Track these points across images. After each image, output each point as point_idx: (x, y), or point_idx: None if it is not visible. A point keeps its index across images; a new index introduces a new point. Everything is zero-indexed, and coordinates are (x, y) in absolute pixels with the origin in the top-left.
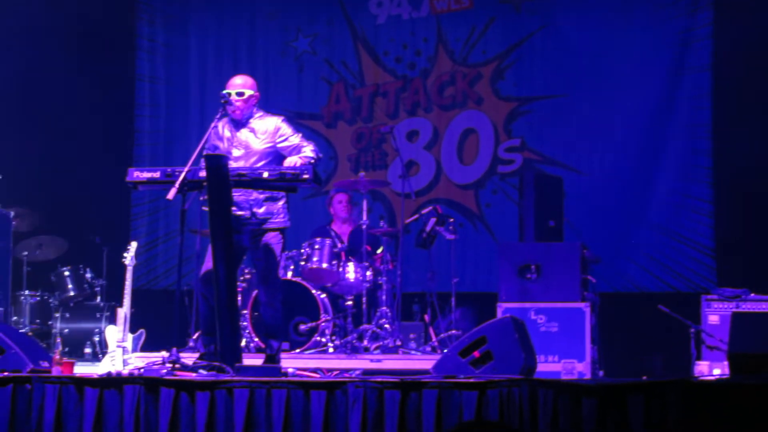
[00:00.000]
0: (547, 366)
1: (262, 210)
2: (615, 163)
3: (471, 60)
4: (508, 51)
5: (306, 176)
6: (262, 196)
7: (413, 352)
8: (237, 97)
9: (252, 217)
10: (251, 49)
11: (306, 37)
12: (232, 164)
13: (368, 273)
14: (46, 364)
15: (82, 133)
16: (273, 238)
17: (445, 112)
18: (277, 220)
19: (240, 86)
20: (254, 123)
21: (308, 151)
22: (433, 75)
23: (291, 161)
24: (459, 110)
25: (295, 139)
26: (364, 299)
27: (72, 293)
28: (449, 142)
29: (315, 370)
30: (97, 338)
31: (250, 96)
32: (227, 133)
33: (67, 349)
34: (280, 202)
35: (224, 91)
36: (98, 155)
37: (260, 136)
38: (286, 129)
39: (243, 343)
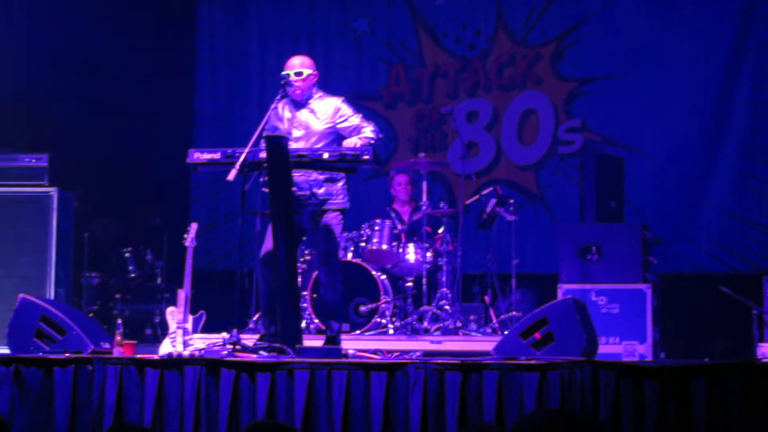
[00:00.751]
0: (609, 348)
1: (322, 190)
2: (676, 143)
3: (531, 40)
4: (568, 31)
5: (366, 157)
6: (322, 177)
7: (474, 333)
8: (296, 78)
9: (312, 198)
10: (310, 30)
11: (365, 17)
12: (292, 145)
13: (428, 254)
14: (107, 346)
15: (143, 115)
16: (333, 219)
17: (504, 92)
18: (336, 201)
19: (298, 66)
20: (314, 103)
21: (368, 131)
22: (493, 55)
23: (351, 142)
24: (519, 91)
25: (355, 119)
26: (424, 280)
27: (133, 275)
28: (509, 123)
29: (375, 352)
30: (157, 319)
31: (309, 75)
32: (287, 114)
33: (127, 331)
34: (340, 183)
35: (283, 72)
36: (159, 136)
37: (320, 117)
38: (346, 109)
39: (303, 324)
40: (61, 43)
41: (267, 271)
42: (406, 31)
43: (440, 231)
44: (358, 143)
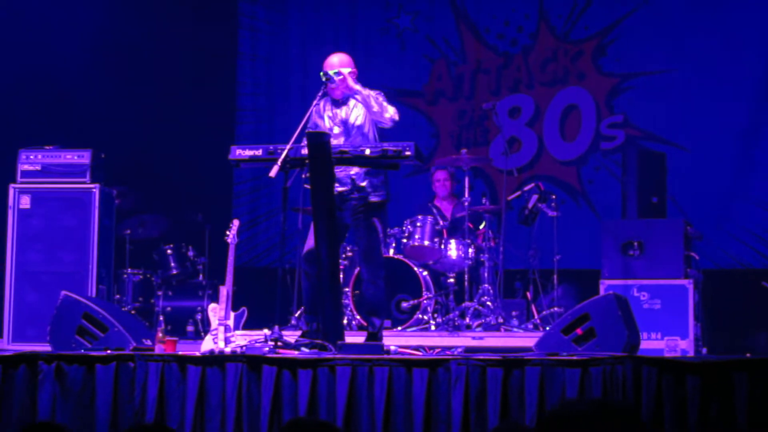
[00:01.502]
0: (650, 343)
1: (363, 183)
2: (718, 138)
3: (573, 36)
4: (611, 27)
5: (408, 153)
6: (362, 170)
7: (515, 329)
8: (335, 77)
9: (353, 192)
10: (352, 26)
11: (407, 14)
12: (333, 141)
13: (470, 250)
14: (148, 342)
15: (184, 111)
16: (375, 215)
17: (546, 88)
18: (378, 193)
19: (337, 65)
20: (353, 100)
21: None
22: (535, 51)
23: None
24: (561, 86)
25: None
26: (466, 276)
27: (174, 271)
28: (551, 119)
29: (417, 348)
30: (199, 316)
31: (349, 73)
32: (328, 111)
33: (169, 327)
34: (382, 176)
35: (321, 73)
36: (200, 133)
37: (359, 112)
38: (378, 96)
39: (345, 321)
40: (102, 38)
41: (309, 267)
42: (448, 28)
43: (482, 227)
44: (373, 97)
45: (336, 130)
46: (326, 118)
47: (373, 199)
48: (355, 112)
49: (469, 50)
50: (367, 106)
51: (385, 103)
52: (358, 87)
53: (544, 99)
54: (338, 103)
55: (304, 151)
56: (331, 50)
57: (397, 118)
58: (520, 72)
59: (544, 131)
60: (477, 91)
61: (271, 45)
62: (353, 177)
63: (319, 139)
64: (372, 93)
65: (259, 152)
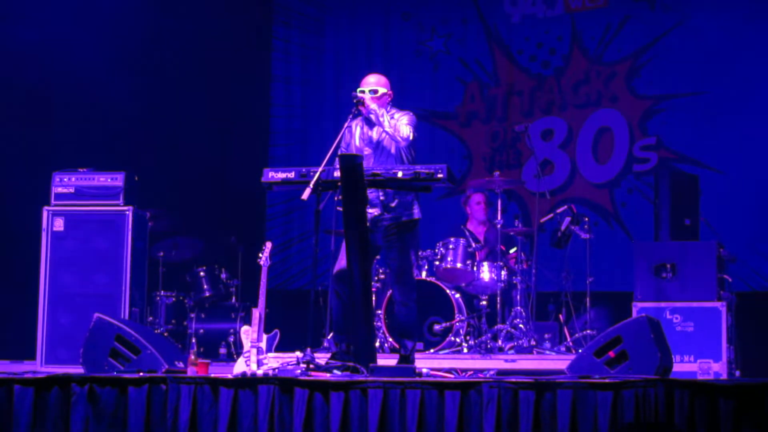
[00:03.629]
0: (683, 366)
1: (393, 204)
2: (751, 161)
3: (606, 58)
4: (644, 49)
5: (440, 175)
6: (391, 190)
7: (548, 352)
8: (371, 95)
9: (384, 212)
10: (386, 48)
11: (440, 37)
12: (365, 162)
13: (503, 273)
14: (181, 365)
15: (217, 134)
16: (407, 236)
17: (579, 110)
18: (408, 212)
19: (374, 84)
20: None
21: (403, 120)
22: (568, 73)
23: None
24: (594, 109)
25: (403, 118)
26: (498, 299)
27: (207, 293)
28: (584, 141)
29: (449, 371)
30: (232, 338)
31: (384, 94)
32: (359, 132)
33: (202, 350)
34: (411, 195)
35: (357, 90)
36: (234, 155)
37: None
38: (402, 116)
39: (377, 343)
40: (137, 60)
41: (340, 286)
42: (481, 50)
43: (514, 250)
44: (387, 117)
45: (367, 150)
46: (358, 138)
47: (405, 218)
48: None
49: (502, 72)
50: (380, 125)
51: (401, 124)
52: (373, 106)
53: (576, 121)
54: (371, 122)
55: (337, 173)
56: (366, 73)
57: (411, 137)
58: (552, 94)
59: (576, 153)
60: (510, 113)
61: (305, 68)
62: (382, 198)
63: (351, 162)
64: (389, 115)
65: (291, 175)
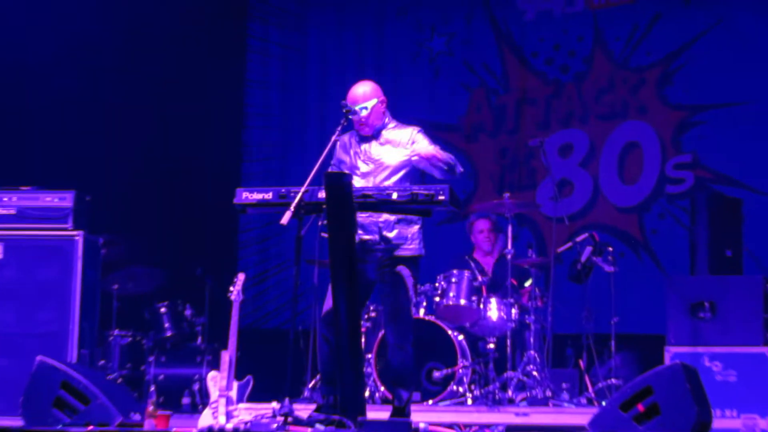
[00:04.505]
0: (724, 422)
1: (393, 234)
2: None
3: (633, 62)
4: (677, 52)
5: (441, 197)
6: (393, 218)
7: (566, 404)
8: (361, 113)
9: (380, 243)
10: (378, 50)
11: (441, 36)
12: (359, 182)
13: (513, 311)
14: (137, 417)
15: (182, 147)
16: (405, 269)
17: (603, 122)
18: (410, 247)
19: (361, 99)
20: (387, 134)
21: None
22: (590, 80)
23: (423, 148)
24: (619, 121)
25: (432, 149)
26: (508, 342)
27: (169, 333)
28: (608, 158)
29: (451, 426)
30: (197, 386)
31: (375, 106)
32: (354, 146)
33: (162, 399)
34: (416, 226)
35: (344, 101)
36: (201, 172)
37: (393, 150)
38: (422, 140)
39: (367, 393)
40: (87, 62)
41: (328, 330)
42: (488, 52)
43: (527, 284)
44: (439, 155)
45: (363, 167)
46: (352, 153)
47: (403, 252)
48: (388, 148)
49: (513, 77)
50: (436, 170)
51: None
52: (432, 149)
53: (600, 135)
54: (366, 137)
55: (322, 194)
56: (355, 77)
57: (456, 165)
58: (572, 103)
59: (600, 172)
60: (522, 125)
61: (285, 71)
62: (381, 225)
63: (338, 181)
64: (390, 130)
65: (268, 195)
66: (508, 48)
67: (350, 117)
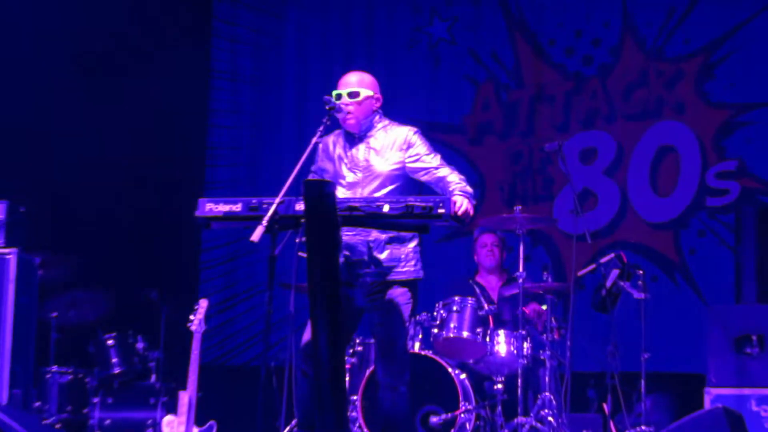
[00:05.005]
0: None
1: (384, 255)
2: None
3: (669, 52)
4: (720, 40)
5: (441, 210)
6: (384, 236)
7: None
8: (349, 100)
9: (370, 265)
10: (368, 36)
11: (443, 20)
12: (344, 192)
13: (526, 345)
14: None
15: (133, 150)
16: (399, 296)
17: (633, 123)
18: (405, 270)
19: (355, 84)
20: (377, 136)
21: (455, 178)
22: (617, 72)
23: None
24: (652, 121)
25: (432, 159)
26: (519, 381)
27: (117, 370)
28: (639, 165)
29: None
30: (150, 431)
31: (368, 99)
32: (339, 150)
33: None
34: (411, 245)
35: (334, 93)
36: (156, 180)
37: (385, 154)
38: (420, 145)
39: None
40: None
41: (308, 366)
42: (497, 39)
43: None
44: (459, 196)
45: (349, 176)
46: (336, 159)
47: (398, 276)
48: (378, 152)
49: (527, 70)
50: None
51: (454, 181)
52: (466, 203)
53: (629, 138)
54: (355, 138)
55: (300, 206)
56: (341, 69)
57: (468, 189)
58: (596, 100)
59: (628, 182)
60: (537, 126)
61: (258, 60)
62: (371, 244)
63: (319, 191)
64: (383, 129)
65: (237, 207)
66: (522, 35)
67: (335, 115)
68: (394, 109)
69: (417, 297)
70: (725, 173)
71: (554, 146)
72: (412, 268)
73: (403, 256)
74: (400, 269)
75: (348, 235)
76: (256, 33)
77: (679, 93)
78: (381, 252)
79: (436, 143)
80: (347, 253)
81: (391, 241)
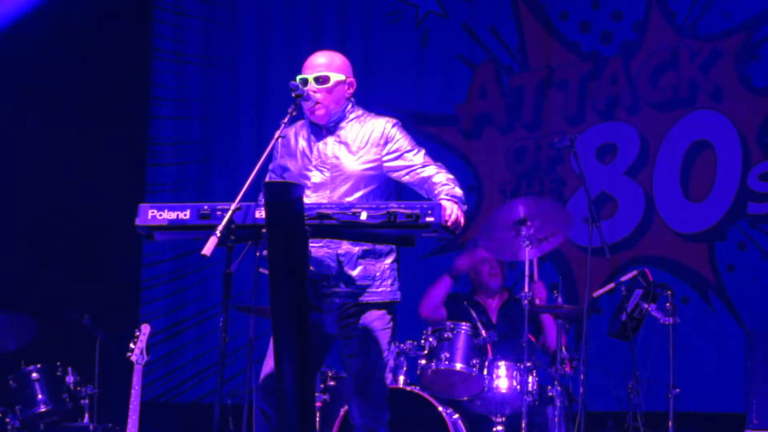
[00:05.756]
0: None
1: (356, 272)
2: None
3: (703, 29)
4: (764, 14)
5: (429, 219)
6: (357, 248)
7: None
8: (317, 86)
9: (339, 284)
10: (342, 10)
11: None
12: (311, 196)
13: (531, 379)
14: None
15: (65, 150)
16: (376, 320)
17: (660, 113)
18: (381, 289)
19: (323, 67)
20: (349, 128)
21: (443, 178)
22: (642, 53)
23: (440, 181)
24: (684, 111)
25: (416, 157)
26: (523, 423)
27: (43, 408)
28: (667, 164)
29: None
30: None
31: (339, 84)
32: (303, 144)
33: None
34: (387, 260)
35: (298, 77)
36: (87, 182)
37: (357, 150)
38: (400, 139)
39: None
40: None
41: (270, 405)
42: (499, 12)
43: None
44: (446, 201)
45: (316, 177)
46: (299, 155)
47: (372, 297)
48: (349, 147)
49: (534, 49)
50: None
51: (441, 182)
52: (455, 210)
53: (655, 131)
54: (322, 131)
55: (261, 213)
56: (308, 48)
57: (461, 192)
58: (617, 86)
59: (654, 184)
60: (546, 117)
61: (209, 37)
62: (341, 258)
63: (284, 195)
64: (359, 121)
65: (185, 214)
66: (527, 7)
67: (301, 103)
68: (373, 97)
69: (396, 321)
70: None
71: (566, 142)
72: (388, 288)
73: (379, 274)
74: (374, 289)
75: (314, 247)
76: (207, 3)
77: (715, 77)
78: (353, 268)
79: (424, 138)
80: (312, 268)
81: (364, 255)
